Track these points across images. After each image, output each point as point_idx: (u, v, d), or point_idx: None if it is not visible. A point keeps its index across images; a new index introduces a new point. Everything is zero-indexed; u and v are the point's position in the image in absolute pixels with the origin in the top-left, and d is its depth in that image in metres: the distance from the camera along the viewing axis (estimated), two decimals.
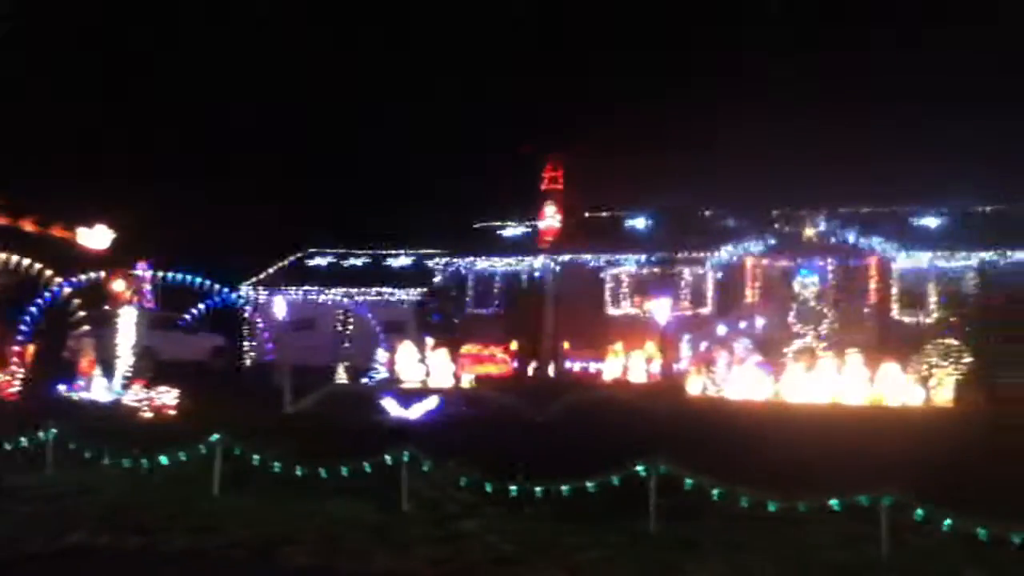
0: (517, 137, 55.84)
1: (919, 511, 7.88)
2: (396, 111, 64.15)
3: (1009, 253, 26.64)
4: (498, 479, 9.41)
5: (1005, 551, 7.71)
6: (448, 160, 57.92)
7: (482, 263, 31.93)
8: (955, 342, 22.32)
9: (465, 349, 24.16)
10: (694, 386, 22.03)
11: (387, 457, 9.78)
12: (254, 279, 36.12)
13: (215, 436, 10.34)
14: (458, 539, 8.70)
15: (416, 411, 16.64)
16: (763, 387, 21.21)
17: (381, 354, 23.70)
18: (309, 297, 32.41)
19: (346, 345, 29.05)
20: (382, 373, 23.31)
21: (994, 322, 23.81)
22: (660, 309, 18.49)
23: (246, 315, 29.78)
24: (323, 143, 61.56)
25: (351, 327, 30.18)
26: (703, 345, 25.64)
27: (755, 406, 19.91)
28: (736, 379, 21.53)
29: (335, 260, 36.24)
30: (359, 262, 35.61)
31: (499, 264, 31.76)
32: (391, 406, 16.83)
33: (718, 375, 22.08)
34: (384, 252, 35.13)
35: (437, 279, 32.13)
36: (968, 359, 21.93)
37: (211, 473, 10.18)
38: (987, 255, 26.87)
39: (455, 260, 32.06)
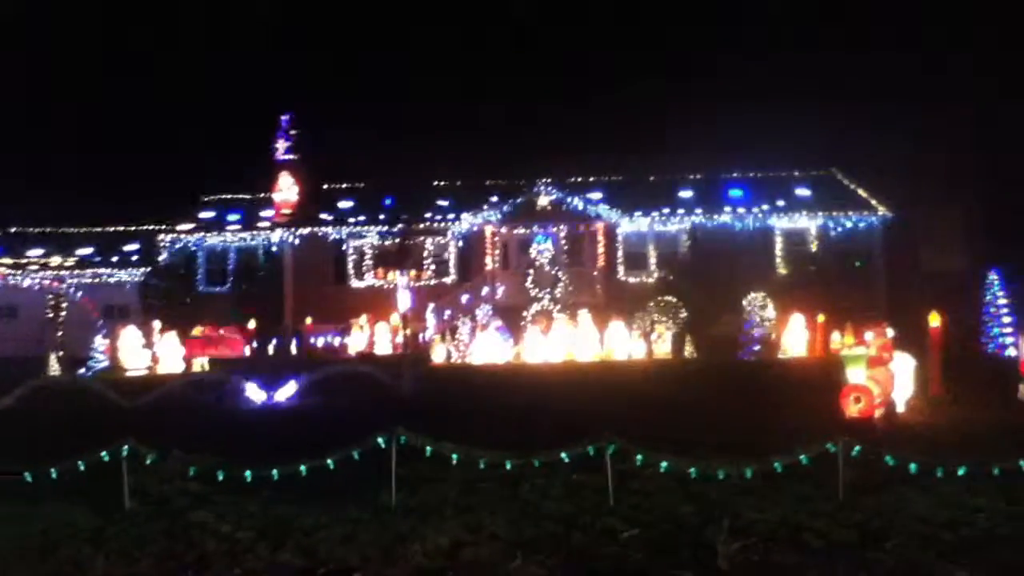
0: (250, 107, 53.27)
1: (639, 456, 8.44)
2: (120, 84, 58.55)
3: (715, 217, 29.46)
4: (231, 465, 8.91)
5: (714, 485, 8.48)
6: (174, 129, 53.94)
7: (213, 238, 30.14)
8: (672, 298, 24.35)
9: (197, 331, 22.69)
10: (438, 354, 22.31)
11: (104, 454, 8.94)
12: None
13: None
14: (188, 532, 8.13)
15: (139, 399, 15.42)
16: (504, 350, 21.93)
17: (100, 341, 21.67)
18: (11, 281, 28.80)
19: (59, 333, 26.23)
20: (102, 361, 21.34)
21: (701, 279, 26.29)
22: (402, 280, 18.34)
23: None
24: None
25: (64, 313, 27.23)
26: (446, 313, 26.00)
27: (497, 369, 20.52)
28: (479, 345, 22.07)
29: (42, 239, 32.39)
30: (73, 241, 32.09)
31: (232, 239, 30.13)
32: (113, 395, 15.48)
33: (461, 342, 22.51)
34: (102, 230, 31.91)
35: (163, 257, 29.87)
36: (684, 313, 24.03)
37: None
38: (697, 219, 29.53)
39: (183, 236, 29.99)
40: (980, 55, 44.18)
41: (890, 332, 13.30)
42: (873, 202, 29.54)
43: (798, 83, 48.27)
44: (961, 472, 8.21)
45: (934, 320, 14.50)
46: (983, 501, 8.04)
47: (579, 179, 31.73)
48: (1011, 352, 18.72)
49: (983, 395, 13.94)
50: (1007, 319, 21.06)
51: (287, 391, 15.73)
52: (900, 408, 12.48)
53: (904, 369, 12.63)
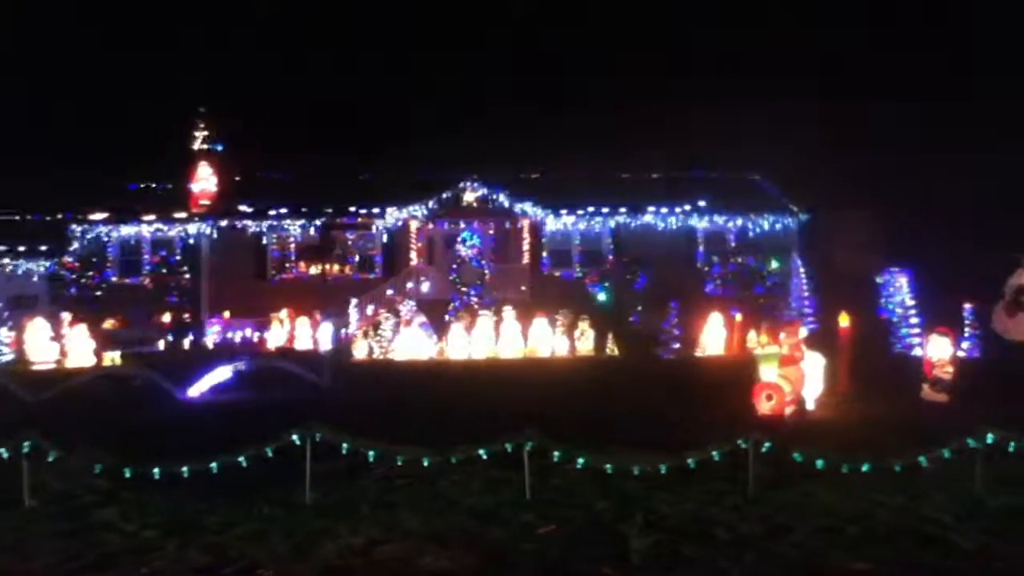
0: (167, 92, 51.72)
1: (556, 453, 8.49)
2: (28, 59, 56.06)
3: (639, 216, 29.89)
4: (138, 462, 8.65)
5: (630, 481, 8.60)
6: (88, 116, 51.94)
7: (127, 228, 29.17)
8: (596, 295, 24.61)
9: (109, 324, 21.95)
10: (361, 350, 22.05)
11: (3, 450, 8.60)
12: None
13: None
14: (91, 531, 7.87)
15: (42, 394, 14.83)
16: (428, 346, 21.81)
17: (5, 333, 20.79)
18: None
19: None
20: (7, 354, 20.47)
21: (625, 277, 26.64)
22: (325, 274, 18.08)
23: None
24: None
25: None
26: (370, 309, 25.74)
27: (419, 365, 20.40)
28: (402, 340, 21.90)
29: None
30: None
31: (147, 229, 29.20)
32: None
33: (385, 337, 22.30)
34: (9, 217, 30.55)
35: (75, 247, 28.75)
36: (606, 310, 24.31)
37: None
38: (621, 218, 29.93)
39: (95, 225, 28.93)
40: (895, 59, 45.88)
41: (804, 331, 13.66)
42: (790, 204, 30.40)
43: (721, 85, 49.22)
44: (865, 468, 8.49)
45: (843, 320, 14.98)
46: (885, 496, 8.34)
47: (507, 175, 31.79)
48: (918, 352, 19.45)
49: (889, 393, 14.47)
50: (915, 320, 21.89)
51: (202, 386, 15.33)
52: (810, 405, 12.86)
53: (815, 368, 13.02)
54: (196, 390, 15.20)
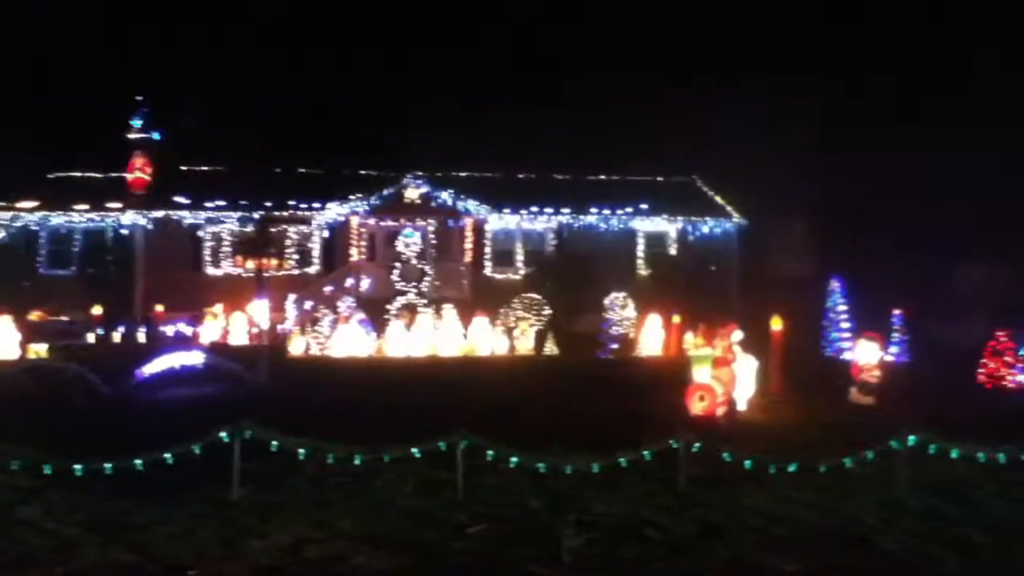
0: (104, 78, 50.36)
1: (490, 452, 8.49)
2: None
3: (581, 217, 30.09)
4: (61, 459, 8.38)
5: (563, 480, 8.64)
6: (19, 102, 50.22)
7: (58, 218, 28.26)
8: (536, 296, 24.65)
9: (35, 315, 21.22)
10: (297, 346, 21.74)
11: None
12: None
13: None
14: (13, 529, 7.60)
15: None
16: (366, 344, 21.61)
17: None
18: None
19: None
20: None
21: (567, 277, 26.75)
22: (261, 268, 17.77)
23: None
24: None
25: None
26: (308, 305, 25.38)
27: (357, 363, 20.20)
28: (340, 337, 21.65)
29: None
30: None
31: (79, 219, 28.34)
32: None
33: (322, 334, 22.02)
34: None
35: (1, 236, 27.75)
36: (547, 311, 24.38)
37: None
38: (564, 219, 30.08)
39: (23, 214, 27.97)
40: (832, 69, 47.02)
41: (739, 334, 13.90)
42: (729, 208, 30.91)
43: (667, 91, 49.85)
44: (792, 468, 8.67)
45: (776, 324, 15.30)
46: (811, 496, 8.53)
47: (450, 173, 31.69)
48: (848, 356, 19.97)
49: (819, 396, 14.82)
50: (845, 324, 22.46)
51: (132, 381, 14.94)
52: (741, 407, 13.10)
53: (747, 369, 13.26)
54: (127, 385, 14.80)
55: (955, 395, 15.34)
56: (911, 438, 8.68)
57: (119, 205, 28.29)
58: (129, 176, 28.47)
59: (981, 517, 8.20)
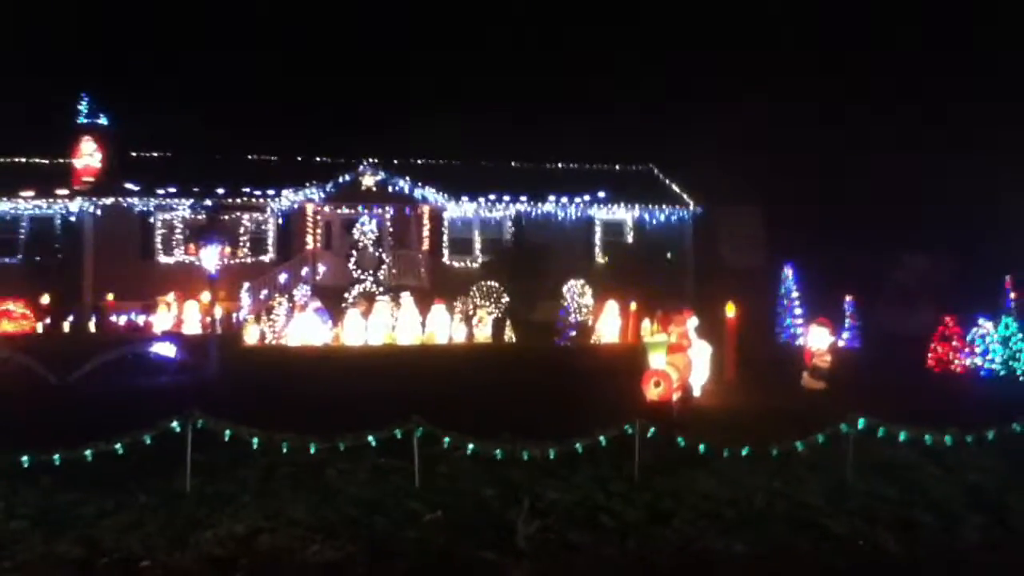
0: (49, 60, 49.06)
1: (446, 439, 8.46)
2: None
3: (539, 205, 30.10)
4: (5, 450, 8.17)
5: (519, 468, 8.64)
6: None
7: (3, 205, 27.48)
8: (495, 284, 24.64)
9: None
10: (252, 335, 21.48)
11: None
12: None
13: None
14: None
15: None
16: (322, 332, 21.41)
17: None
18: None
19: None
20: None
21: (525, 265, 26.78)
22: (210, 256, 17.44)
23: None
24: None
25: None
26: (263, 293, 25.08)
27: (312, 352, 20.02)
28: (296, 326, 21.43)
29: None
30: None
31: (25, 206, 27.60)
32: None
33: (278, 323, 21.78)
34: None
35: None
36: (505, 299, 24.39)
37: None
38: (522, 207, 30.06)
39: None
40: (783, 58, 47.57)
41: (694, 321, 14.03)
42: (685, 197, 31.16)
43: (625, 82, 50.03)
44: (744, 453, 8.79)
45: (730, 310, 15.48)
46: (762, 480, 8.65)
47: (407, 160, 31.48)
48: (800, 342, 20.29)
49: (772, 381, 15.04)
50: (798, 311, 22.84)
51: (81, 371, 14.63)
52: (696, 392, 13.23)
53: (701, 356, 13.40)
54: (75, 375, 14.50)
55: (904, 379, 15.69)
56: (860, 421, 8.84)
57: (67, 192, 27.63)
58: (77, 162, 27.80)
59: (926, 500, 8.40)
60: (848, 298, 22.56)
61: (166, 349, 15.87)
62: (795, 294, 23.17)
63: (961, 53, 46.70)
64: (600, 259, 30.03)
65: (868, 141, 37.57)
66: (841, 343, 20.27)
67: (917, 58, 47.09)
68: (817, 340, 14.80)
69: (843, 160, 37.73)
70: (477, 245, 30.06)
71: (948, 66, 45.88)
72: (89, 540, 7.06)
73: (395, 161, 30.21)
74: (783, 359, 17.84)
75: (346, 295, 23.85)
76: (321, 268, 27.19)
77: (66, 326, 23.37)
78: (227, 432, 8.31)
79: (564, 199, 30.09)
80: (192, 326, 23.15)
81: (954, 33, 47.31)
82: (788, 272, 23.46)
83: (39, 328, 22.71)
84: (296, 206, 28.17)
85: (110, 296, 25.01)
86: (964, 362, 17.57)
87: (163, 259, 27.95)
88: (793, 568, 6.99)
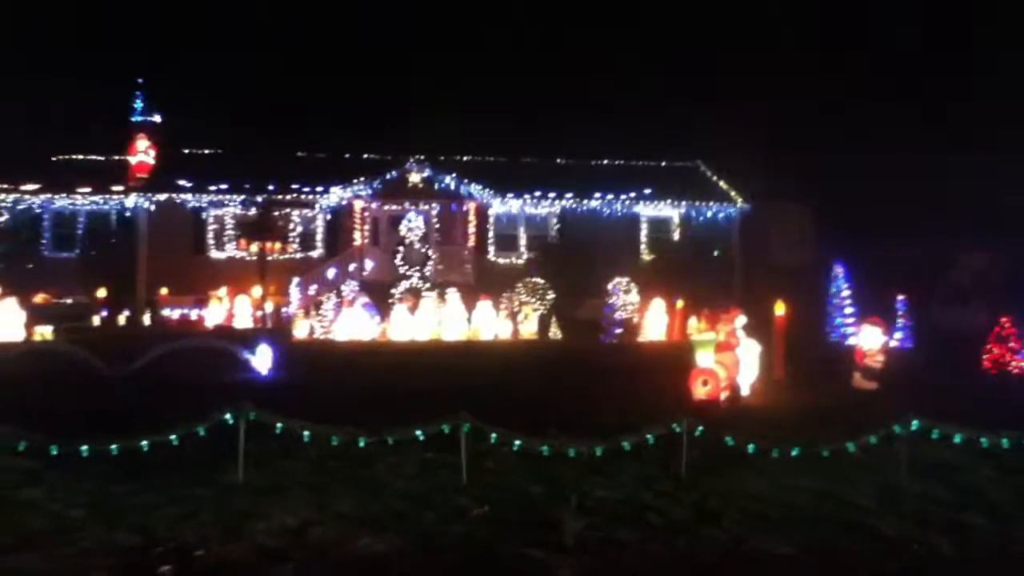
0: (105, 60, 50.25)
1: (494, 435, 8.50)
2: None
3: (585, 202, 30.05)
4: (66, 440, 8.41)
5: (565, 464, 8.65)
6: (22, 83, 50.07)
7: (61, 201, 28.28)
8: (540, 280, 24.67)
9: (40, 298, 21.29)
10: (301, 329, 21.80)
11: None
12: None
13: None
14: (16, 511, 7.63)
15: None
16: (370, 327, 21.65)
17: None
18: None
19: None
20: None
21: (570, 262, 26.76)
22: (264, 250, 17.74)
23: None
24: None
25: None
26: (312, 288, 25.44)
27: (360, 346, 20.25)
28: (344, 321, 21.70)
29: None
30: None
31: (83, 202, 28.37)
32: None
33: (326, 317, 22.08)
34: None
35: (4, 218, 27.79)
36: (551, 295, 24.41)
37: None
38: (567, 203, 30.04)
39: (27, 197, 28.00)
40: (834, 60, 46.76)
41: (742, 319, 13.90)
42: (733, 194, 30.83)
43: (671, 79, 49.64)
44: (794, 453, 8.68)
45: (779, 309, 15.29)
46: (811, 481, 8.54)
47: (453, 158, 31.64)
48: (851, 341, 19.97)
49: (822, 381, 14.82)
50: (849, 310, 22.46)
51: (138, 364, 14.99)
52: (744, 391, 13.10)
53: (750, 354, 13.26)
54: (133, 367, 14.84)
55: (959, 380, 15.34)
56: (914, 423, 8.67)
57: (122, 188, 28.31)
58: (132, 159, 28.46)
59: (981, 502, 8.21)
60: (900, 297, 22.11)
61: (262, 354, 15.37)
62: (845, 292, 22.78)
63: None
64: (646, 256, 29.88)
65: (924, 140, 36.78)
66: (893, 343, 19.88)
67: (972, 55, 45.90)
68: (869, 340, 14.55)
69: (899, 158, 36.99)
70: (522, 241, 30.11)
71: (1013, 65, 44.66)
72: (145, 529, 7.21)
73: (441, 158, 30.39)
74: (833, 358, 17.55)
75: (393, 291, 24.08)
76: (368, 264, 27.48)
77: (121, 319, 23.94)
78: (279, 425, 8.46)
79: (609, 196, 30.01)
80: (243, 320, 23.55)
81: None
82: (839, 270, 23.07)
83: (95, 321, 23.29)
84: (344, 203, 28.49)
85: (164, 290, 25.57)
86: (1021, 363, 17.14)
87: (214, 254, 28.49)
88: (843, 570, 6.88)
